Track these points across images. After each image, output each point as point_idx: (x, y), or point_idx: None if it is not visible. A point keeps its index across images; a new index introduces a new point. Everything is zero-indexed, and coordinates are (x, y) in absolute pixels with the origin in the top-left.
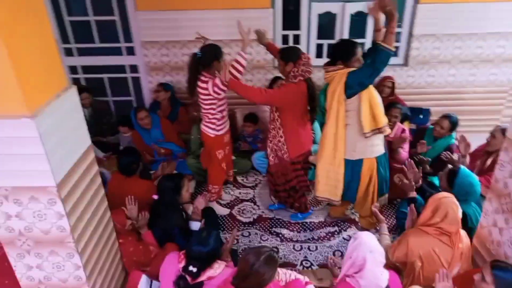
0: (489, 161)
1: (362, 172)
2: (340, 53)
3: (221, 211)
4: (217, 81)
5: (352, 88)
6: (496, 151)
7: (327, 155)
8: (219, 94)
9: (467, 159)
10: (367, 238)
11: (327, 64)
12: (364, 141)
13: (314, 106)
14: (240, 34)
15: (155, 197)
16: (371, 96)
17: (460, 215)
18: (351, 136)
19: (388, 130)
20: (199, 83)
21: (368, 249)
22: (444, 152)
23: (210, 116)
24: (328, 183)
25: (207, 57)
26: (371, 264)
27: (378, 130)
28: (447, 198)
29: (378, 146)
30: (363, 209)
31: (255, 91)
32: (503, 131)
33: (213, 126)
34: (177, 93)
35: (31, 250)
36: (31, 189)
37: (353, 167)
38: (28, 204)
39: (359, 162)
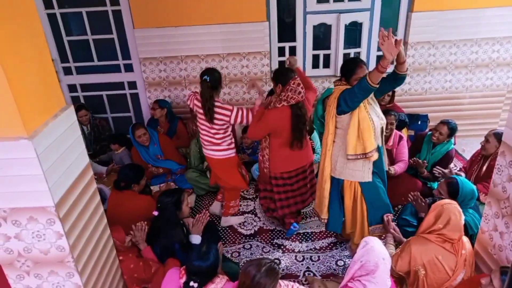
0: (485, 166)
1: (344, 193)
2: (344, 71)
3: (236, 220)
4: (244, 112)
5: (340, 106)
6: (491, 155)
7: (322, 168)
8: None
9: (463, 173)
10: (379, 245)
11: (336, 80)
12: (343, 162)
13: (299, 136)
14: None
15: (155, 213)
16: (362, 119)
17: (462, 221)
18: (334, 154)
19: (375, 156)
20: (219, 111)
21: (381, 255)
22: (435, 168)
23: (228, 140)
24: (319, 195)
25: (216, 79)
26: (382, 271)
27: (364, 155)
28: (449, 205)
29: (359, 172)
30: (355, 237)
31: (255, 128)
32: (496, 135)
33: (233, 146)
34: (175, 108)
35: (31, 271)
36: (30, 209)
37: (335, 185)
38: (27, 225)
39: (340, 181)
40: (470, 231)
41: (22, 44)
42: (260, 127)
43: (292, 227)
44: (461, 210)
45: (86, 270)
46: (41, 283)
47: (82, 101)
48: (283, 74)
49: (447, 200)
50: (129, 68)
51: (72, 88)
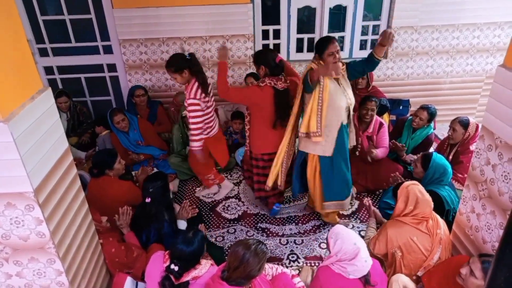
0: (452, 154)
1: (307, 166)
2: (317, 47)
3: (228, 184)
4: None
5: (305, 84)
6: (458, 143)
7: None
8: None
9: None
10: (347, 233)
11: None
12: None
13: (283, 115)
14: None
15: (148, 200)
16: (314, 101)
17: (428, 196)
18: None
19: (317, 139)
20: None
21: (353, 241)
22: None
23: None
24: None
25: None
26: (360, 255)
27: (308, 134)
28: (413, 185)
29: (320, 146)
30: (316, 208)
31: (224, 85)
32: (461, 122)
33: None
34: (156, 92)
35: (10, 258)
36: (7, 195)
37: (299, 158)
38: (4, 211)
39: (304, 154)
40: (447, 206)
41: None
42: (238, 95)
43: (275, 206)
44: (422, 186)
45: (67, 256)
46: (21, 270)
47: (60, 84)
48: (264, 56)
49: (409, 182)
50: (108, 50)
51: (48, 70)
